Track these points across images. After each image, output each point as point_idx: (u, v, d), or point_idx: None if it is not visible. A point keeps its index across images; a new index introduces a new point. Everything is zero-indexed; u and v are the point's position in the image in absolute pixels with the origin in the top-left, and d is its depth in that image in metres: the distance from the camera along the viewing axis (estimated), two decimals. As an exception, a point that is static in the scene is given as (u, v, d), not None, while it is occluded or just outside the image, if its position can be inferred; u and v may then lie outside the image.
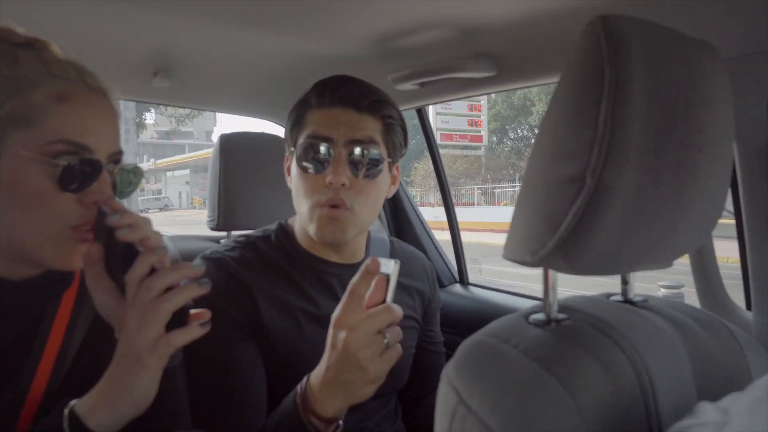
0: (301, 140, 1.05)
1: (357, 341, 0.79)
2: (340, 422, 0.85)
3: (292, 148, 1.07)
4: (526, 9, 1.01)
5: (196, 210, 27.35)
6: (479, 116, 18.59)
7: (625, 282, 0.66)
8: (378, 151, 1.03)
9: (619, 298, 0.66)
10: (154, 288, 0.68)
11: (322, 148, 1.01)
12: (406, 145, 1.12)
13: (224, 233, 1.60)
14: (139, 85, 1.53)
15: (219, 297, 0.94)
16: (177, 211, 28.82)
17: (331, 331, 0.82)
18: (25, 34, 0.78)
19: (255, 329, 0.98)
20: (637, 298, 0.66)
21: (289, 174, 1.12)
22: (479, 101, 17.50)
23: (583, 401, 0.47)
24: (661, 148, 0.49)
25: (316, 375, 0.84)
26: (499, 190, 21.32)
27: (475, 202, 21.12)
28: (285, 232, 1.12)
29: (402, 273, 1.17)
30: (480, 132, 19.10)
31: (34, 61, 0.74)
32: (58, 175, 0.70)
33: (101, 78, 0.80)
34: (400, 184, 1.89)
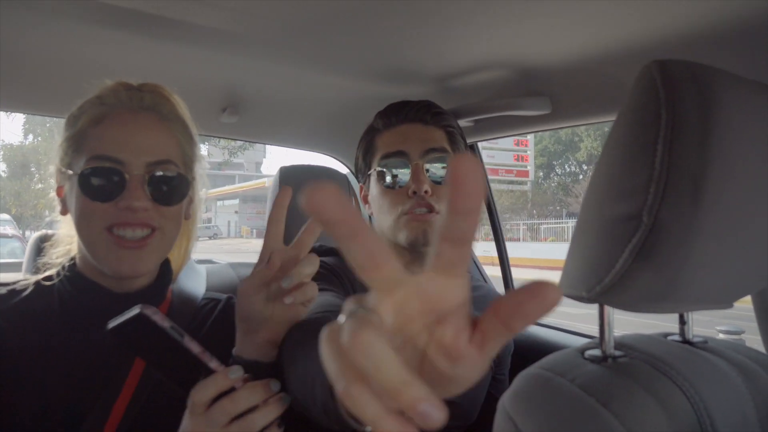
0: (376, 162, 1.10)
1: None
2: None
3: (369, 173, 1.12)
4: (582, 50, 1.03)
5: (243, 239, 27.97)
6: (525, 151, 18.44)
7: (683, 322, 0.65)
8: (449, 157, 1.08)
9: (677, 338, 0.66)
10: (231, 412, 0.65)
11: (399, 164, 1.07)
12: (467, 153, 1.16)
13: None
14: (208, 120, 1.63)
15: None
16: (225, 239, 29.51)
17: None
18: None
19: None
20: (696, 339, 0.65)
21: (366, 202, 1.16)
22: (526, 136, 17.32)
23: None
24: (719, 188, 0.49)
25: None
26: (545, 225, 20.84)
27: (521, 238, 20.72)
28: None
29: (477, 307, 1.19)
30: (526, 167, 18.93)
31: (95, 93, 0.86)
32: (93, 184, 0.80)
33: (152, 96, 0.87)
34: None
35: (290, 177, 1.61)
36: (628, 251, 0.49)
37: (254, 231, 29.95)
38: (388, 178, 1.07)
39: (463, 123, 1.43)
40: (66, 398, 0.79)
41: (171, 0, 0.91)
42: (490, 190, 1.90)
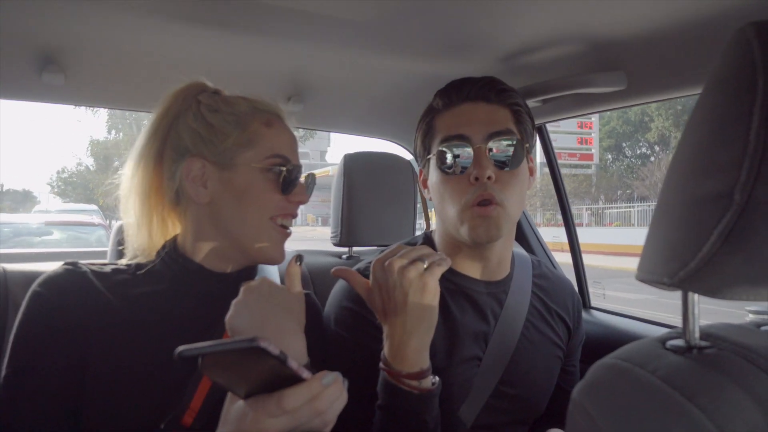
0: (436, 146, 1.03)
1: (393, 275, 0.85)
2: (426, 369, 0.87)
3: (429, 157, 1.06)
4: (663, 17, 0.96)
5: (309, 227, 28.92)
6: (590, 134, 17.78)
7: (780, 311, 0.60)
8: (514, 140, 1.00)
9: (772, 328, 0.60)
10: (321, 410, 0.65)
11: (461, 148, 0.99)
12: (534, 133, 1.09)
13: (346, 249, 1.67)
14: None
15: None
16: (292, 227, 30.30)
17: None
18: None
19: None
20: (796, 330, 0.59)
21: (425, 186, 1.11)
22: (590, 118, 16.81)
23: None
24: None
25: (385, 345, 0.88)
26: (611, 210, 19.96)
27: (584, 223, 19.93)
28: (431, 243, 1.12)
29: (548, 296, 1.16)
30: (591, 150, 18.25)
31: (242, 100, 0.98)
32: (280, 180, 0.93)
33: (279, 108, 1.02)
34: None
35: (354, 164, 1.62)
36: (716, 233, 0.45)
37: (319, 219, 30.97)
38: (449, 164, 1.00)
39: (530, 104, 1.37)
40: (164, 375, 0.83)
41: None
42: (560, 175, 1.83)
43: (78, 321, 0.85)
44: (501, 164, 0.99)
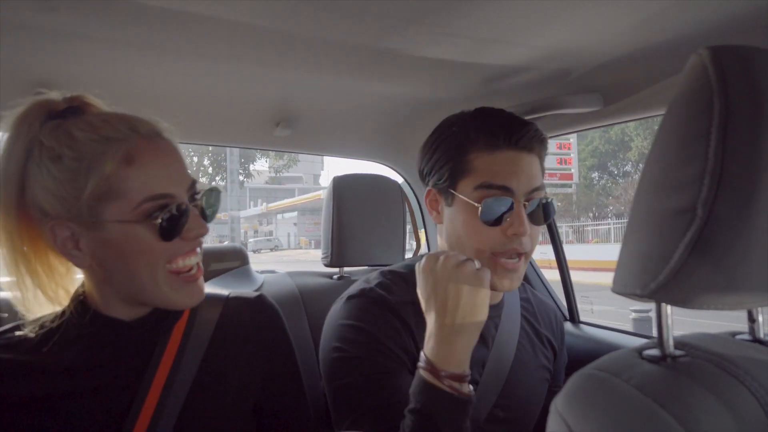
0: (469, 187, 0.98)
1: (442, 266, 0.88)
2: (468, 374, 0.86)
3: (452, 191, 1.01)
4: (631, 42, 1.00)
5: (302, 250, 28.92)
6: (569, 154, 18.46)
7: (752, 320, 0.62)
8: (547, 194, 1.00)
9: (746, 337, 0.62)
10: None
11: (503, 201, 0.96)
12: None
13: (337, 270, 1.68)
14: (263, 135, 1.69)
15: (381, 333, 0.96)
16: (285, 251, 30.55)
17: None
18: (60, 96, 0.83)
19: (413, 363, 0.96)
20: (768, 338, 0.61)
21: (434, 208, 1.07)
22: (569, 139, 17.41)
23: None
24: None
25: (428, 344, 0.87)
26: (591, 227, 20.26)
27: (565, 240, 20.19)
28: None
29: (535, 320, 1.17)
30: (570, 170, 18.91)
31: (87, 131, 0.77)
32: (158, 230, 0.78)
33: (151, 120, 0.83)
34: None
35: (344, 186, 1.63)
36: (683, 246, 0.47)
37: (312, 242, 30.85)
38: (484, 213, 0.96)
39: (512, 124, 1.41)
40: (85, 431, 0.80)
41: (222, 19, 0.95)
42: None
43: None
44: (536, 219, 0.99)
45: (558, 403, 0.52)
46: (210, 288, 0.96)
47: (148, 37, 1.02)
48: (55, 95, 0.83)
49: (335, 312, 1.05)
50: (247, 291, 1.05)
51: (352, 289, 1.05)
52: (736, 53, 0.48)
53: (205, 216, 0.86)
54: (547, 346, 1.17)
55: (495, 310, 1.08)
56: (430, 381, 0.84)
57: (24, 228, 0.81)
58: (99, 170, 0.76)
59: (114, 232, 0.78)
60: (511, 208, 0.96)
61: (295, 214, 35.46)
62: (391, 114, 1.57)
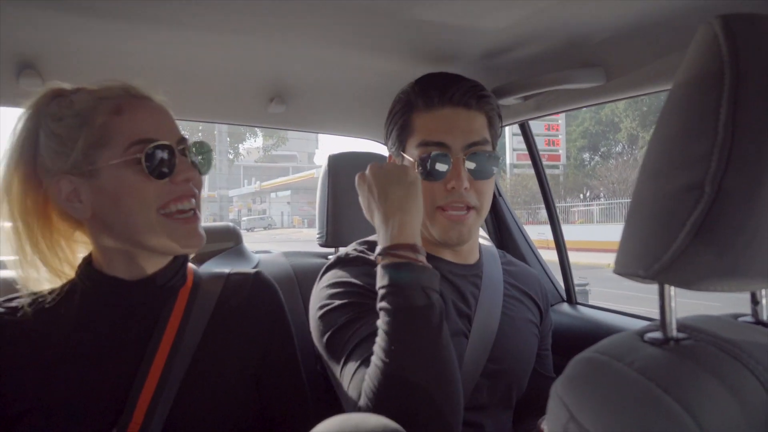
0: (412, 146, 1.05)
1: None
2: (420, 246, 0.91)
3: (402, 153, 1.08)
4: (636, 15, 0.97)
5: (295, 229, 29.43)
6: (557, 135, 18.96)
7: (755, 302, 0.60)
8: (490, 148, 1.05)
9: (749, 319, 0.61)
10: None
11: (440, 156, 1.01)
12: (500, 133, 1.14)
13: (332, 249, 1.66)
14: (257, 111, 1.65)
15: (359, 279, 1.01)
16: (278, 230, 31.01)
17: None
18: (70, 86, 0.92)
19: None
20: (772, 320, 0.60)
21: None
22: (557, 120, 17.60)
23: (708, 426, 0.44)
24: None
25: (380, 238, 0.93)
26: (575, 208, 20.49)
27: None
28: None
29: (518, 279, 1.22)
30: (558, 151, 19.40)
31: (84, 94, 0.88)
32: (146, 170, 0.83)
33: (143, 87, 0.91)
34: (503, 200, 1.87)
35: (339, 165, 1.61)
36: (689, 225, 0.45)
37: (305, 221, 31.07)
38: (427, 170, 1.02)
39: (512, 100, 1.38)
40: (101, 396, 0.84)
41: None
42: (544, 173, 1.84)
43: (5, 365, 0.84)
44: (477, 174, 1.03)
45: (558, 387, 0.51)
46: (207, 268, 1.01)
47: (137, 6, 0.99)
48: (66, 85, 0.91)
49: (317, 283, 1.09)
50: (246, 268, 1.09)
51: (331, 258, 1.11)
52: (750, 22, 0.46)
53: (197, 166, 0.90)
54: (532, 303, 1.21)
55: (473, 269, 1.14)
56: (388, 262, 0.89)
57: (31, 198, 0.88)
58: (92, 121, 0.85)
59: (108, 178, 0.85)
60: (449, 162, 1.01)
61: (288, 192, 35.56)
62: (388, 91, 1.53)
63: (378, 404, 0.81)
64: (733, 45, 0.44)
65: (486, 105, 1.06)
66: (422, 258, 0.90)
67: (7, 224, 0.89)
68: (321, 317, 1.00)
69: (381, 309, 0.87)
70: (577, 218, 19.76)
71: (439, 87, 1.04)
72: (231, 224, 1.74)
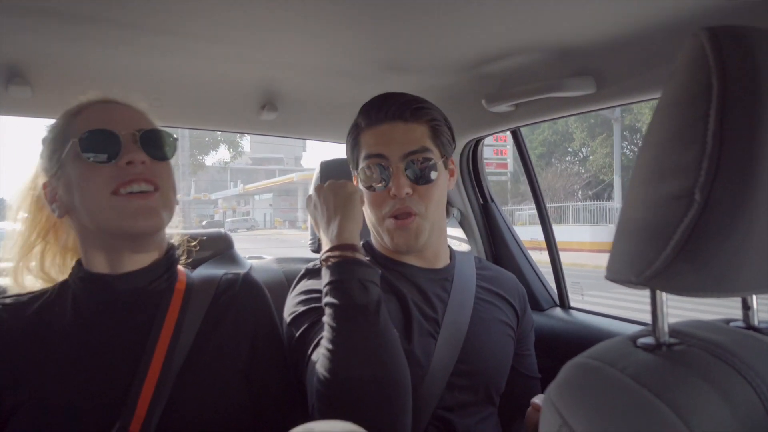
0: (361, 161, 1.12)
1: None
2: (357, 245, 0.97)
3: (355, 171, 1.15)
4: (627, 25, 0.98)
5: (276, 230, 30.37)
6: (504, 146, 20.62)
7: (747, 307, 0.61)
8: (430, 155, 1.09)
9: (740, 324, 0.61)
10: None
11: (380, 166, 1.08)
12: (454, 141, 1.18)
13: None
14: (248, 118, 1.65)
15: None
16: (261, 230, 31.93)
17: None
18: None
19: None
20: (762, 325, 0.60)
21: None
22: (505, 132, 18.61)
23: (700, 430, 0.44)
24: None
25: (328, 238, 0.99)
26: (521, 212, 21.66)
27: None
28: (369, 245, 1.21)
29: (492, 283, 1.25)
30: (505, 160, 20.94)
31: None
32: (79, 150, 0.87)
33: (112, 94, 0.96)
34: (495, 205, 1.87)
35: (331, 170, 1.61)
36: (680, 232, 0.46)
37: (286, 222, 31.81)
38: (370, 181, 1.10)
39: (504, 108, 1.39)
40: (103, 390, 0.85)
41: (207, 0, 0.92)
42: (536, 177, 1.85)
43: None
44: (417, 180, 1.08)
45: (551, 393, 0.51)
46: (199, 273, 1.04)
47: (127, 15, 0.98)
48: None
49: (289, 294, 1.13)
50: (237, 271, 1.12)
51: (307, 266, 1.15)
52: (735, 33, 0.47)
53: (150, 151, 0.91)
54: (506, 305, 1.23)
55: (441, 273, 1.18)
56: (330, 262, 0.95)
57: (38, 216, 0.99)
58: (59, 127, 0.94)
59: (69, 173, 0.90)
60: (388, 171, 1.08)
61: (270, 195, 35.97)
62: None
63: (323, 391, 0.86)
64: (720, 56, 0.45)
65: (424, 116, 1.11)
66: (360, 255, 0.96)
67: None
68: (289, 324, 1.06)
69: (325, 305, 0.93)
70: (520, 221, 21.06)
71: (377, 105, 1.11)
72: (222, 230, 1.73)
